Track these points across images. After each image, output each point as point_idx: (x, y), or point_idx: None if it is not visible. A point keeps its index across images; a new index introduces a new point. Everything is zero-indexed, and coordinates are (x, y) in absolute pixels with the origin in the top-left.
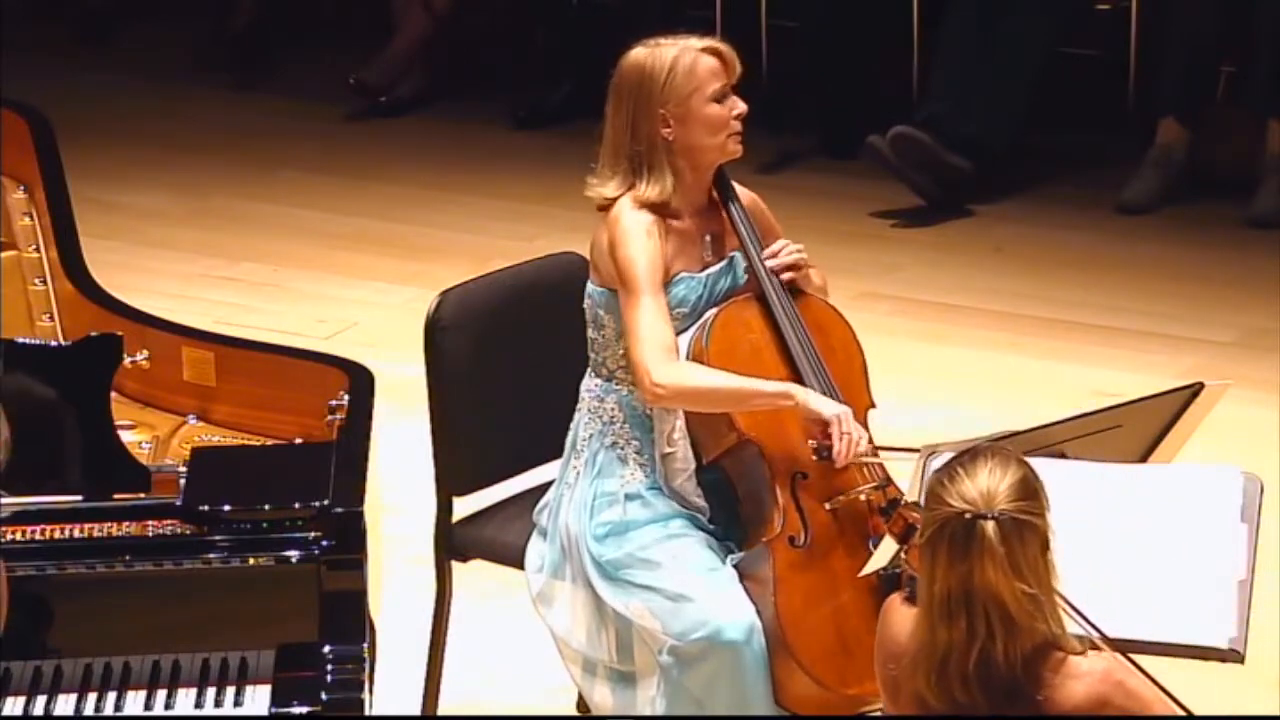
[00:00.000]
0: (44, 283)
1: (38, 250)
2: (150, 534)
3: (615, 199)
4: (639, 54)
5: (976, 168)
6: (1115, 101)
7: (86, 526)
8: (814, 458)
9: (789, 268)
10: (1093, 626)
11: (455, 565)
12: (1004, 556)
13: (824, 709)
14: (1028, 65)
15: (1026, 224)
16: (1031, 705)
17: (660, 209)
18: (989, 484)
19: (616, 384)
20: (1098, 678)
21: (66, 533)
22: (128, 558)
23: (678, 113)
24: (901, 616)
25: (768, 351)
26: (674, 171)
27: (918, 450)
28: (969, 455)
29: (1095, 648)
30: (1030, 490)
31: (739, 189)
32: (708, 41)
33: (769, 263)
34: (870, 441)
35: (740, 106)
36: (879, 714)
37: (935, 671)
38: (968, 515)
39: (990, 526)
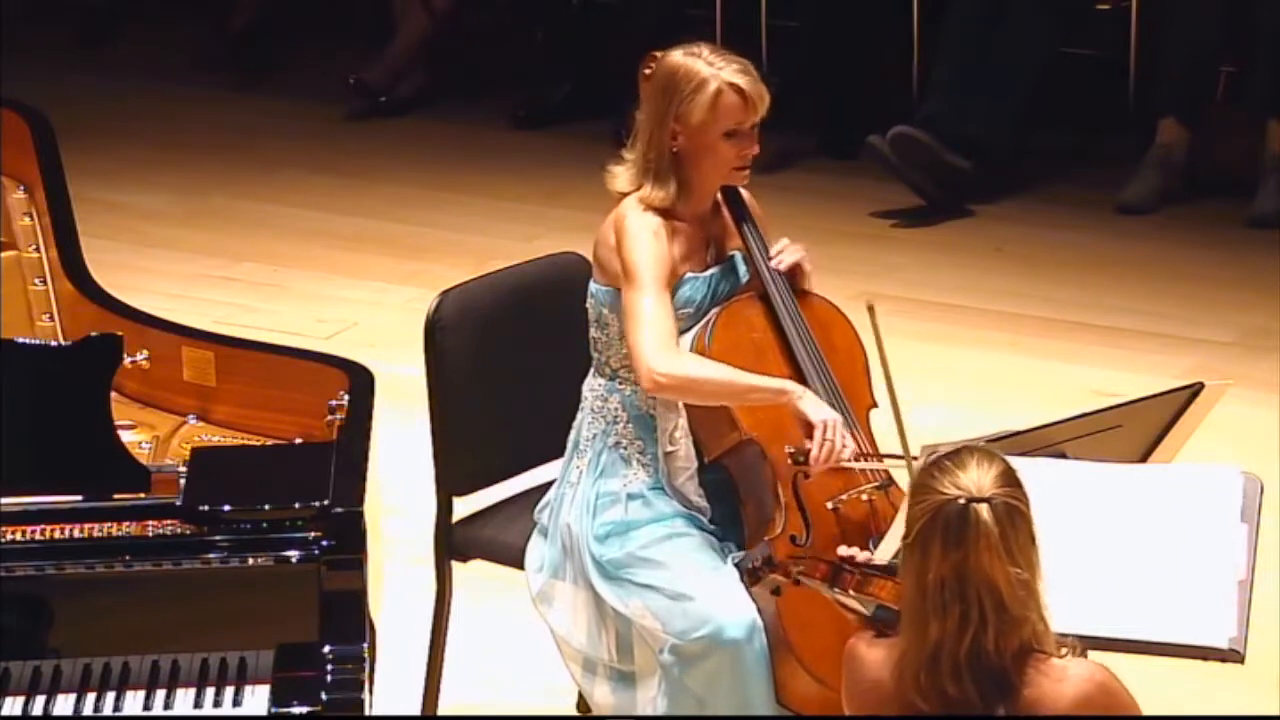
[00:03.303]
0: (44, 283)
1: (38, 250)
2: (150, 534)
3: (624, 194)
4: (675, 60)
5: (976, 168)
6: (1115, 101)
7: (86, 526)
8: (789, 460)
9: (792, 266)
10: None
11: (455, 565)
12: (999, 539)
13: (826, 708)
14: (1028, 65)
15: (1026, 224)
16: (1019, 700)
17: (665, 213)
18: (978, 474)
19: (619, 383)
20: (1083, 679)
21: (66, 533)
22: (128, 558)
23: (689, 132)
24: (871, 655)
25: (770, 350)
26: (679, 182)
27: (916, 457)
28: (952, 453)
29: (1075, 651)
30: (1016, 480)
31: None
32: (740, 78)
33: (772, 264)
34: (872, 443)
35: (752, 149)
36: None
37: (925, 669)
38: (962, 500)
39: (985, 509)
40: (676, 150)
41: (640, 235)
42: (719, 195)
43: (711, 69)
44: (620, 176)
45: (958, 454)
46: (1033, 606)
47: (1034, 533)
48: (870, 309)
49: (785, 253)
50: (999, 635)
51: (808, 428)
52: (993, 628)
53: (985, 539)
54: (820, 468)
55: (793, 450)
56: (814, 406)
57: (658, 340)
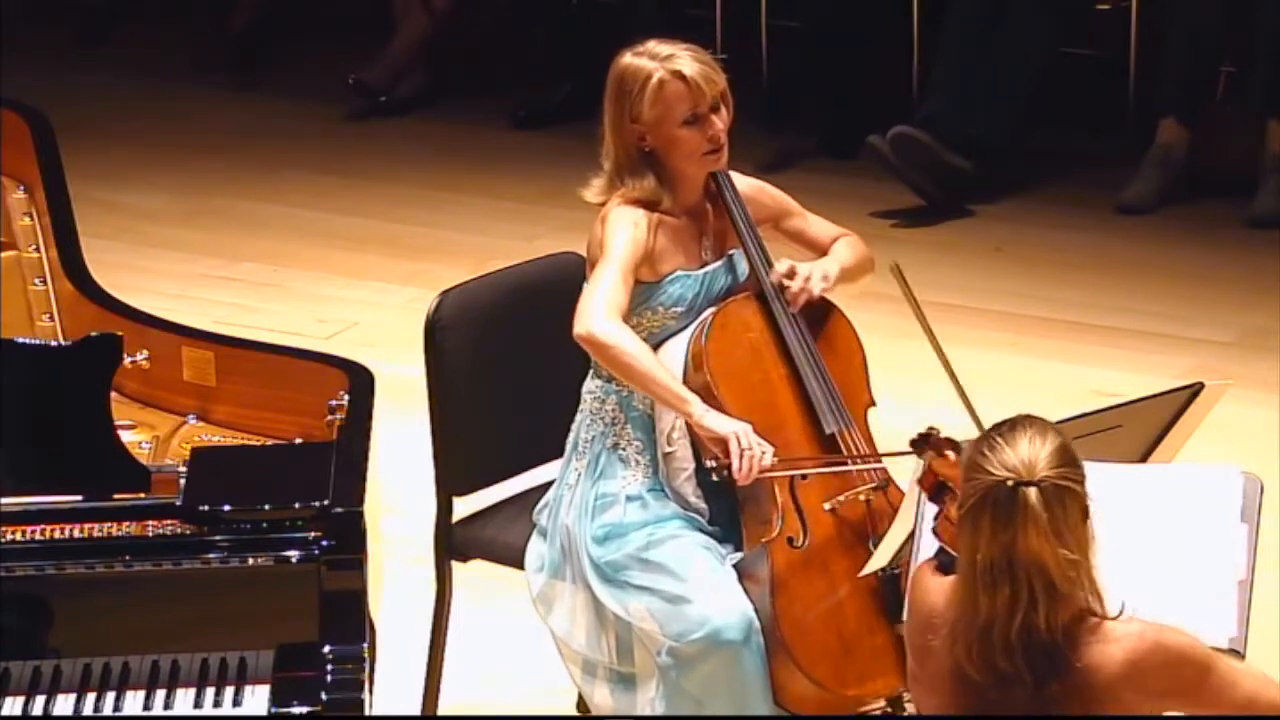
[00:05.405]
0: (44, 283)
1: (38, 250)
2: (150, 534)
3: (599, 204)
4: (622, 62)
5: (976, 168)
6: (1115, 101)
7: (86, 526)
8: (714, 478)
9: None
10: None
11: (455, 565)
12: (1047, 523)
13: (824, 709)
14: (1028, 65)
15: (1026, 224)
16: (1071, 672)
17: (650, 206)
18: (1030, 452)
19: (617, 385)
20: (1134, 638)
21: (66, 533)
22: (128, 558)
23: (650, 130)
24: (934, 584)
25: (767, 350)
26: (657, 177)
27: (873, 455)
28: (1007, 425)
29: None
30: (1070, 457)
31: (739, 179)
32: (678, 64)
33: (791, 309)
34: (870, 442)
35: (716, 126)
36: (879, 714)
37: (977, 641)
38: (1010, 483)
39: (1033, 493)
40: (649, 149)
41: (619, 223)
42: (715, 187)
43: (654, 62)
44: (593, 187)
45: (1012, 427)
46: (1083, 583)
47: (1087, 509)
48: (896, 270)
49: (796, 290)
50: (1049, 613)
51: (720, 443)
52: (1043, 607)
53: (1034, 522)
54: (747, 480)
55: (714, 464)
56: (717, 421)
57: (605, 303)
